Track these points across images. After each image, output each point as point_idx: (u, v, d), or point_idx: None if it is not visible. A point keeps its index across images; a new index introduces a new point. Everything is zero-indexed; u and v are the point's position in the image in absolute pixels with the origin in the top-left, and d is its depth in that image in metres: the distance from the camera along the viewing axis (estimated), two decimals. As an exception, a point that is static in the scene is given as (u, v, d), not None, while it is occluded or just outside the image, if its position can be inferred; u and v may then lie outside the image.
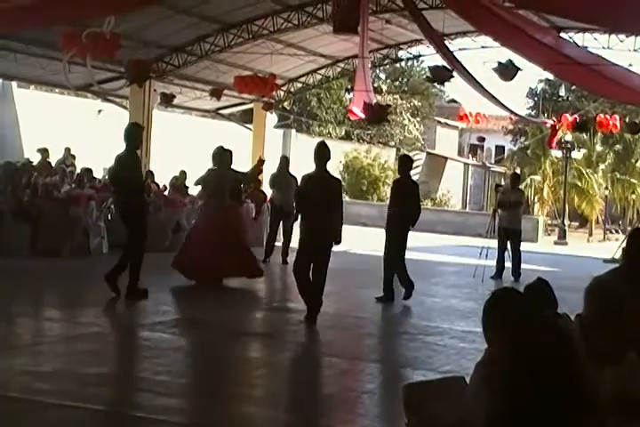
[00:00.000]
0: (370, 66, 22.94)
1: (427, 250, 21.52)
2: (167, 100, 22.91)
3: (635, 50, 21.29)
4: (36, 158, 19.60)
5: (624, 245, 5.18)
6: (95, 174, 19.04)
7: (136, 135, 11.74)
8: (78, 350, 8.86)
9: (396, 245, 12.64)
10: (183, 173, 19.89)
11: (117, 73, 21.20)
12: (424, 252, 20.68)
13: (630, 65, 18.03)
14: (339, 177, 11.68)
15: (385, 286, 12.59)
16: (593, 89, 22.45)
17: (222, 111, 28.68)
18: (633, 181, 39.40)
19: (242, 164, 25.82)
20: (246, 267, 13.57)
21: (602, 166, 39.22)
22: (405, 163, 13.35)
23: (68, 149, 21.31)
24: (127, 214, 11.62)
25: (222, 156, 13.59)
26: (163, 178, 20.08)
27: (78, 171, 18.88)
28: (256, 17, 21.53)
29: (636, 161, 40.08)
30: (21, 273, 13.37)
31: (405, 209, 12.53)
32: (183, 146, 25.79)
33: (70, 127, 22.72)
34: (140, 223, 11.52)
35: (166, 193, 19.43)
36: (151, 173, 20.17)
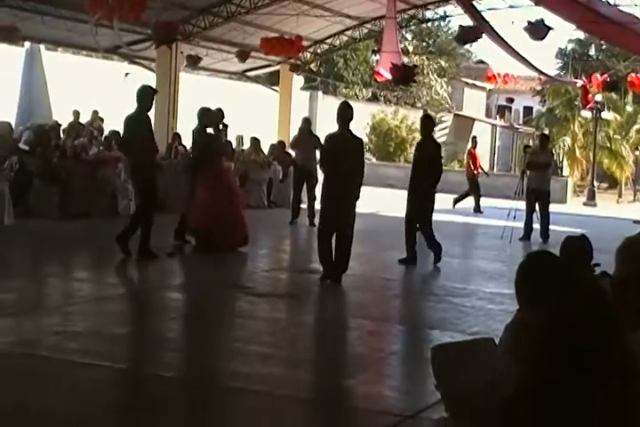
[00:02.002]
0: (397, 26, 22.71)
1: (454, 211, 21.47)
2: (193, 63, 22.85)
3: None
4: (64, 121, 19.67)
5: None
6: (123, 137, 19.07)
7: (148, 97, 11.55)
8: (106, 310, 8.94)
9: (418, 207, 12.57)
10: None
11: (144, 35, 21.14)
12: (452, 213, 20.64)
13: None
14: (362, 138, 11.56)
15: (408, 248, 12.57)
16: (627, 46, 22.11)
17: (249, 73, 28.58)
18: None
19: (269, 125, 25.91)
20: (234, 235, 12.81)
21: (635, 126, 38.67)
22: (426, 123, 13.19)
23: (95, 112, 21.38)
24: (137, 177, 11.57)
25: (203, 115, 13.22)
26: (190, 140, 20.05)
27: (106, 133, 18.93)
28: (282, -23, 21.36)
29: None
30: (51, 235, 13.49)
31: (428, 170, 12.45)
32: (210, 108, 25.70)
33: (97, 90, 22.73)
34: (150, 186, 11.47)
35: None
36: (178, 135, 20.18)
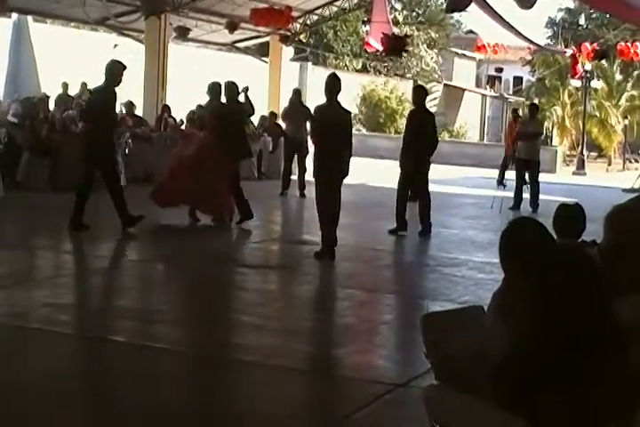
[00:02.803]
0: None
1: (444, 182, 21.47)
2: (182, 34, 22.71)
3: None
4: (52, 93, 19.58)
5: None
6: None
7: (116, 72, 11.36)
8: (96, 282, 8.97)
9: (411, 177, 12.62)
10: (200, 108, 19.75)
11: (133, 6, 20.99)
12: (442, 184, 20.63)
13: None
14: (352, 109, 11.52)
15: (397, 218, 12.62)
16: (616, 13, 22.02)
17: (238, 44, 28.40)
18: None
19: (259, 97, 25.76)
20: (211, 208, 12.52)
21: (624, 95, 38.68)
22: (419, 93, 13.17)
23: (84, 84, 21.23)
24: (91, 149, 11.38)
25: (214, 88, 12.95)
26: (180, 112, 20.00)
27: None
28: (271, -53, 21.20)
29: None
30: (41, 207, 13.47)
31: (420, 140, 12.46)
32: (200, 80, 25.57)
33: (86, 62, 22.58)
34: (105, 160, 11.40)
35: (183, 127, 19.37)
36: (168, 107, 20.11)
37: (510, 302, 3.70)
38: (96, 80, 19.78)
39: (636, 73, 39.58)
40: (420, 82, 39.41)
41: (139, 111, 20.12)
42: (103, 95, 11.37)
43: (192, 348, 6.59)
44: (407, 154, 12.58)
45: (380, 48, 20.81)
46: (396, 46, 19.45)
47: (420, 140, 12.38)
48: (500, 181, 21.79)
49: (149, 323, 7.28)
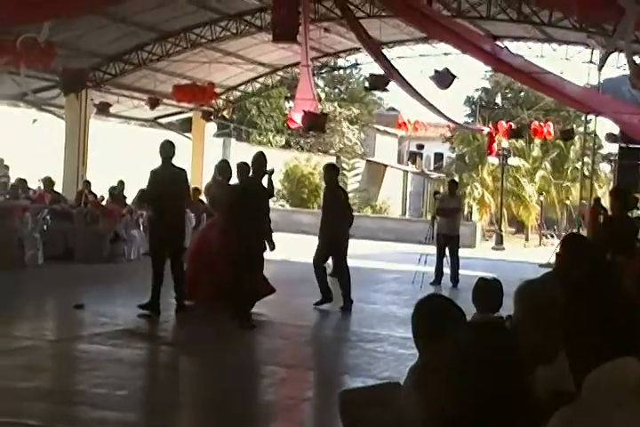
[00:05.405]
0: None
1: (367, 257, 21.55)
2: (103, 110, 22.70)
3: (567, 58, 21.76)
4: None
5: (558, 249, 5.26)
6: (30, 185, 18.83)
7: (169, 149, 11.85)
8: (12, 364, 8.70)
9: (326, 252, 12.85)
10: (121, 183, 19.68)
11: (52, 82, 20.97)
12: (364, 259, 20.72)
13: (561, 72, 18.35)
14: (276, 185, 11.90)
15: (321, 290, 12.72)
16: (537, 89, 22.79)
17: (161, 120, 28.52)
18: (567, 184, 40.15)
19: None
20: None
21: (539, 173, 39.86)
22: (330, 171, 13.44)
23: (0, 160, 21.01)
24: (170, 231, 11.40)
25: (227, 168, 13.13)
26: (101, 188, 19.87)
27: (12, 181, 18.63)
28: (194, 25, 21.50)
29: (569, 167, 40.90)
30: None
31: (333, 217, 12.74)
32: (121, 155, 25.56)
33: (3, 137, 22.38)
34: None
35: (104, 203, 19.24)
36: (88, 182, 19.97)
37: (425, 378, 3.70)
38: (14, 155, 19.64)
39: (552, 153, 40.88)
40: (342, 158, 39.99)
41: (58, 187, 19.95)
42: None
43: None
44: (323, 230, 12.83)
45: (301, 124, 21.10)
46: (315, 123, 19.73)
47: (335, 217, 12.65)
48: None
49: (67, 405, 7.08)
